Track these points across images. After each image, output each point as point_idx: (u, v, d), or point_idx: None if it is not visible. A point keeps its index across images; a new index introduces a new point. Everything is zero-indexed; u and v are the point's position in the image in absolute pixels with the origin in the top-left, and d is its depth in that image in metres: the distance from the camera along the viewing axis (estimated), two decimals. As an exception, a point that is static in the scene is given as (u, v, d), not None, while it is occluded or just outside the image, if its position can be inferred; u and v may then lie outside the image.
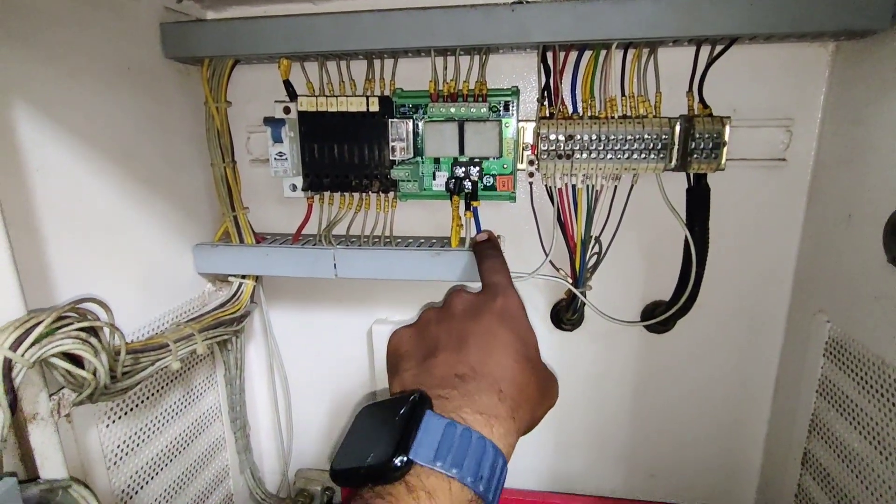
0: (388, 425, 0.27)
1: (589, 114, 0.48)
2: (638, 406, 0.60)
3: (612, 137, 0.46)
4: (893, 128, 0.40)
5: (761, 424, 0.58)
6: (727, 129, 0.44)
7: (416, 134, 0.51)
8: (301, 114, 0.51)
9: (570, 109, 0.49)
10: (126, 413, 0.46)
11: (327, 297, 0.63)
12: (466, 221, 0.51)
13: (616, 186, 0.49)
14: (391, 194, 0.54)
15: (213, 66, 0.52)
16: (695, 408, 0.59)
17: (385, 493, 0.24)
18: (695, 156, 0.45)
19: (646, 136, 0.45)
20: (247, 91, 0.56)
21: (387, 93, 0.52)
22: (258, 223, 0.59)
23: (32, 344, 0.30)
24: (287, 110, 0.52)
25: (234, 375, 0.59)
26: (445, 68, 0.50)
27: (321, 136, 0.52)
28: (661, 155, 0.46)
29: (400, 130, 0.50)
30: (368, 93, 0.52)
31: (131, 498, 0.47)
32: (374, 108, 0.50)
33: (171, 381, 0.52)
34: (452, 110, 0.50)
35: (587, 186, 0.49)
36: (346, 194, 0.54)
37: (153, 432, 0.49)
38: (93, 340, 0.34)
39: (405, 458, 0.25)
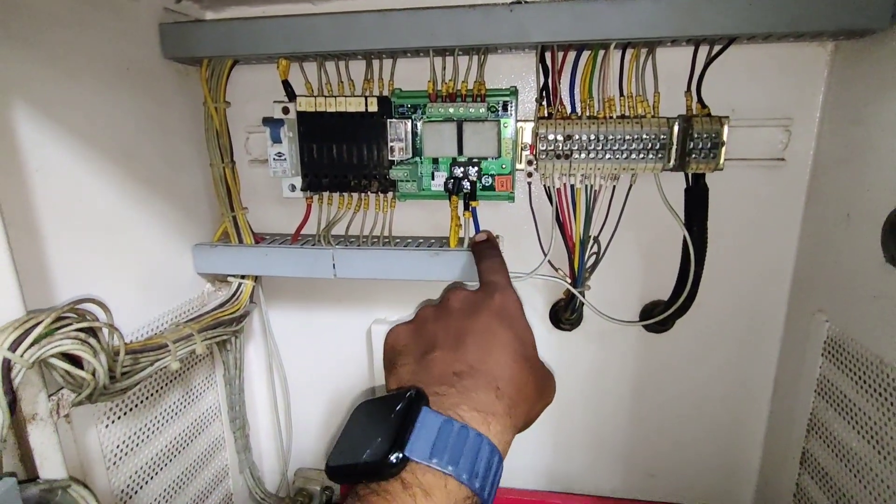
0: (384, 422, 0.27)
1: (587, 114, 0.48)
2: (637, 406, 0.60)
3: (611, 137, 0.46)
4: (892, 127, 0.40)
5: (760, 424, 0.58)
6: (725, 128, 0.44)
7: (414, 134, 0.51)
8: (300, 114, 0.51)
9: (569, 109, 0.49)
10: (125, 413, 0.46)
11: (326, 297, 0.63)
12: (465, 221, 0.51)
13: (615, 186, 0.49)
14: (390, 194, 0.54)
15: (212, 67, 0.52)
16: (694, 407, 0.59)
17: (381, 489, 0.25)
18: (693, 156, 0.45)
19: (644, 136, 0.45)
20: (246, 91, 0.56)
21: (385, 93, 0.52)
22: (257, 223, 0.59)
23: (31, 344, 0.30)
24: (286, 110, 0.52)
25: (233, 375, 0.59)
26: (444, 68, 0.50)
27: (320, 137, 0.52)
28: (660, 155, 0.46)
29: (399, 130, 0.50)
30: (367, 93, 0.52)
31: (131, 498, 0.47)
32: (373, 108, 0.50)
33: (171, 381, 0.52)
34: (451, 110, 0.50)
35: (586, 186, 0.49)
36: (345, 194, 0.54)
37: (152, 432, 0.49)
38: (92, 341, 0.34)
39: (401, 455, 0.25)
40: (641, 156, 0.46)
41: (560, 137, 0.46)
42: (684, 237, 0.48)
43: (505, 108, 0.50)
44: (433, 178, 0.52)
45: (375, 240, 0.55)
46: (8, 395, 0.29)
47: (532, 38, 0.44)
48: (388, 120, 0.50)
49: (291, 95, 0.52)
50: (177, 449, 0.53)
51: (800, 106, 0.48)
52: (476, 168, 0.51)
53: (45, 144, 0.38)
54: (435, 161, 0.52)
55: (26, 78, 0.37)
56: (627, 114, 0.48)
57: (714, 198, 0.47)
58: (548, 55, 0.47)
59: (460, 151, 0.51)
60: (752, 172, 0.51)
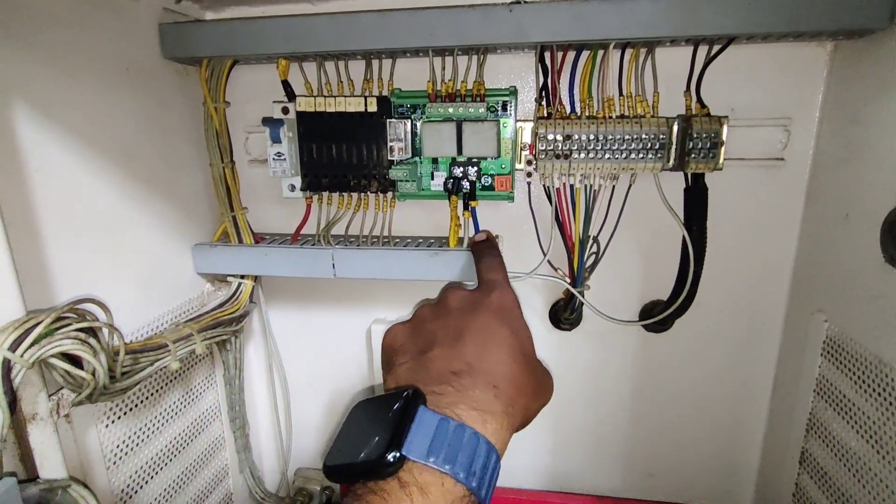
0: (381, 421, 0.27)
1: (587, 114, 0.48)
2: (636, 405, 0.60)
3: (610, 137, 0.46)
4: (891, 127, 0.40)
5: (759, 423, 0.58)
6: (725, 128, 0.44)
7: (414, 134, 0.51)
8: (299, 114, 0.51)
9: (568, 109, 0.49)
10: (125, 413, 0.46)
11: (326, 297, 0.63)
12: (465, 221, 0.51)
13: (614, 186, 0.49)
14: (389, 194, 0.54)
15: (211, 67, 0.52)
16: (693, 407, 0.59)
17: (378, 488, 0.25)
18: (692, 155, 0.45)
19: (643, 136, 0.45)
20: (245, 91, 0.56)
21: (385, 93, 0.52)
22: (257, 223, 0.60)
23: (31, 344, 0.30)
24: (285, 110, 0.52)
25: (233, 375, 0.59)
26: (443, 68, 0.50)
27: (319, 137, 0.52)
28: (659, 155, 0.46)
29: (398, 130, 0.50)
30: (367, 93, 0.52)
31: (131, 497, 0.47)
32: (373, 108, 0.50)
33: (171, 380, 0.52)
34: (450, 110, 0.50)
35: (585, 186, 0.49)
36: (345, 194, 0.54)
37: (152, 432, 0.49)
38: (92, 341, 0.34)
39: (398, 454, 0.25)
40: (641, 156, 0.46)
41: (559, 137, 0.46)
42: (684, 237, 0.48)
43: (504, 107, 0.50)
44: (433, 178, 0.52)
45: (375, 240, 0.55)
46: (8, 394, 0.29)
47: (531, 38, 0.44)
48: (388, 120, 0.50)
49: (291, 95, 0.52)
50: (177, 449, 0.53)
51: (799, 106, 0.48)
52: (475, 168, 0.51)
53: (45, 144, 0.38)
54: (434, 161, 0.52)
55: (26, 78, 0.37)
56: (627, 114, 0.48)
57: (713, 197, 0.47)
58: (547, 55, 0.47)
59: (460, 151, 0.51)
60: (752, 172, 0.51)
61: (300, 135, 0.52)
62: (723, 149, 0.45)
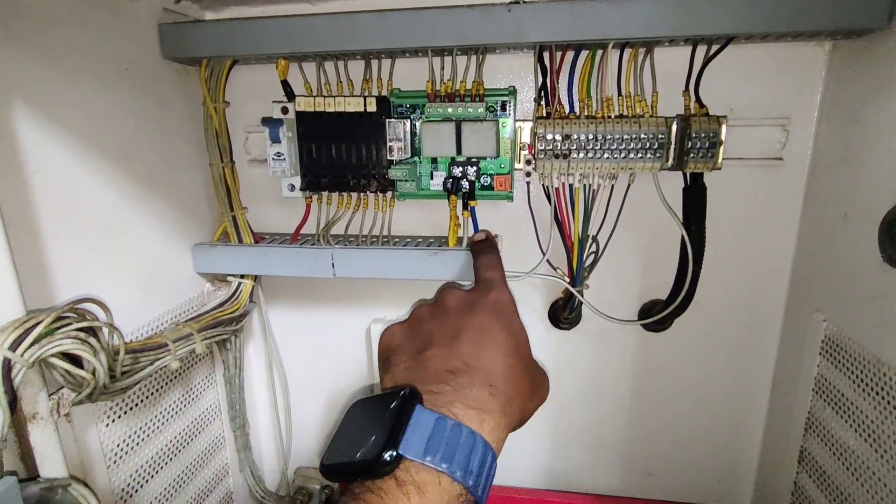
0: (378, 420, 0.27)
1: (586, 113, 0.48)
2: (635, 404, 0.60)
3: (609, 137, 0.46)
4: (890, 127, 0.40)
5: (758, 423, 0.58)
6: (724, 128, 0.44)
7: (413, 134, 0.52)
8: (299, 114, 0.51)
9: (567, 109, 0.49)
10: (125, 412, 0.46)
11: (326, 297, 0.63)
12: (464, 221, 0.51)
13: (613, 186, 0.49)
14: (389, 194, 0.54)
15: (211, 67, 0.52)
16: (692, 406, 0.59)
17: (375, 487, 0.25)
18: (691, 155, 0.45)
19: (642, 136, 0.45)
20: (245, 91, 0.56)
21: (384, 93, 0.52)
22: (257, 223, 0.60)
23: (32, 344, 0.30)
24: (285, 110, 0.52)
25: (233, 374, 0.59)
26: (443, 68, 0.50)
27: (319, 137, 0.52)
28: (658, 154, 0.46)
29: (397, 130, 0.50)
30: (366, 93, 0.52)
31: (131, 497, 0.47)
32: (372, 108, 0.50)
33: (171, 380, 0.52)
34: (450, 110, 0.50)
35: (584, 186, 0.49)
36: (345, 194, 0.54)
37: (153, 431, 0.50)
38: (92, 340, 0.34)
39: (395, 453, 0.25)
40: (640, 155, 0.46)
41: (558, 137, 0.46)
42: (682, 236, 0.48)
43: (503, 107, 0.50)
44: (432, 178, 0.53)
45: (374, 239, 0.55)
46: (8, 394, 0.29)
47: (530, 38, 0.44)
48: (387, 120, 0.50)
49: (290, 95, 0.52)
50: (177, 448, 0.53)
51: (798, 105, 0.48)
52: (475, 168, 0.51)
53: (45, 144, 0.38)
54: (434, 161, 0.52)
55: (26, 78, 0.37)
56: (626, 113, 0.48)
57: (712, 197, 0.47)
58: (546, 55, 0.47)
59: (459, 151, 0.51)
60: (750, 172, 0.51)
61: (300, 135, 0.52)
62: (721, 148, 0.45)
